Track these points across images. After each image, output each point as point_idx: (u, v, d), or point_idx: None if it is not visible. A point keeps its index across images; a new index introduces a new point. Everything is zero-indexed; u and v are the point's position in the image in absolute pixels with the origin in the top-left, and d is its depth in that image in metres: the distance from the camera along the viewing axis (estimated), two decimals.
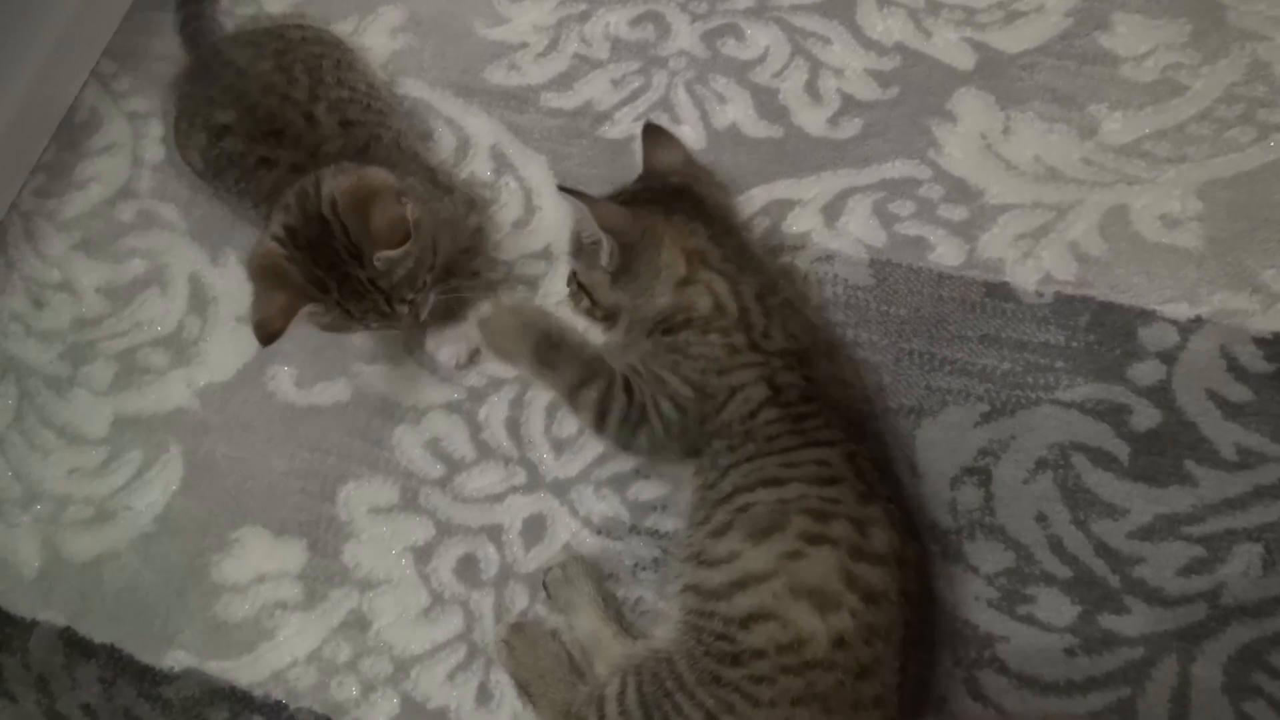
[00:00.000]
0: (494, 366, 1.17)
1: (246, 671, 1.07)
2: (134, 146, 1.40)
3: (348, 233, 0.99)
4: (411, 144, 1.23)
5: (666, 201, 1.01)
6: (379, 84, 1.29)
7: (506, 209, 1.27)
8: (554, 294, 1.20)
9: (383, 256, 0.98)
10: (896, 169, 1.22)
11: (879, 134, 1.24)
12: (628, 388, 0.96)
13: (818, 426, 0.91)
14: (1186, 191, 1.15)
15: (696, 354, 0.94)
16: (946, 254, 1.16)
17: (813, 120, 1.27)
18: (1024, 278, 1.13)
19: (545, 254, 1.23)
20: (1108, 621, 0.97)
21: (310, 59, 1.21)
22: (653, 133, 1.10)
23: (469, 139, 1.32)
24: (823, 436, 0.91)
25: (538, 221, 1.26)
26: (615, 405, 0.96)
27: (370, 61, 1.37)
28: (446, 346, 1.16)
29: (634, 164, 1.26)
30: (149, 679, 1.08)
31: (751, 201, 1.22)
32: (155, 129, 1.40)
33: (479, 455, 1.14)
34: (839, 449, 0.90)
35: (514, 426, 1.14)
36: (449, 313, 1.16)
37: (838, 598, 0.82)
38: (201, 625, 1.09)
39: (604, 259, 0.97)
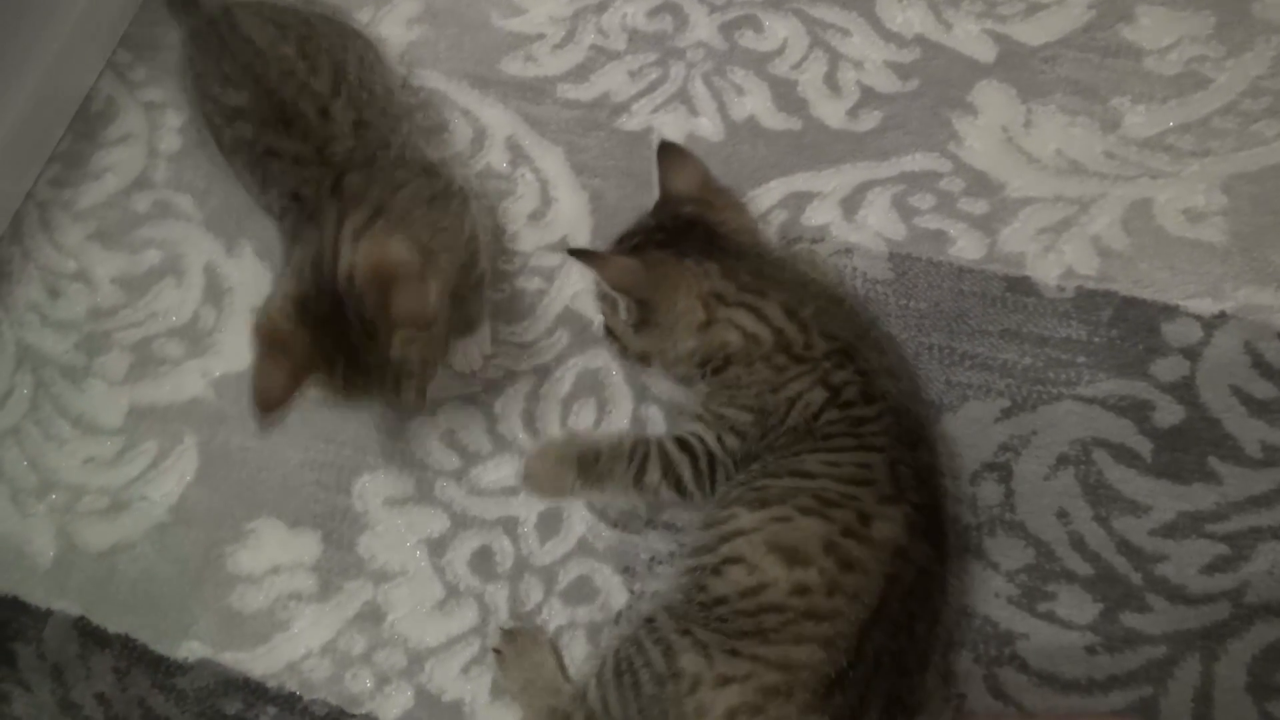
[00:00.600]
0: (509, 358, 1.17)
1: (261, 663, 1.06)
2: (150, 137, 1.40)
3: (363, 309, 0.91)
4: (416, 148, 1.17)
5: (678, 241, 0.99)
6: (396, 87, 1.26)
7: (523, 200, 1.26)
8: (569, 287, 1.20)
9: (401, 340, 0.92)
10: (916, 162, 1.21)
11: (899, 126, 1.23)
12: (682, 445, 0.97)
13: (875, 432, 0.91)
14: (1211, 185, 1.13)
15: (748, 383, 0.95)
16: (967, 248, 1.15)
17: (832, 112, 1.26)
18: (1045, 272, 1.12)
19: (561, 245, 1.23)
20: (1129, 619, 0.96)
21: (336, 50, 1.16)
22: (668, 153, 1.06)
23: (485, 130, 1.32)
24: (876, 443, 0.90)
25: (554, 213, 1.25)
26: (684, 470, 0.96)
27: (391, 60, 1.34)
28: (459, 354, 1.15)
29: (651, 156, 1.25)
30: (163, 669, 1.07)
31: (770, 194, 1.21)
32: (171, 119, 1.39)
33: (495, 448, 1.13)
34: (885, 455, 0.89)
35: (530, 419, 1.14)
36: (466, 326, 1.13)
37: (810, 558, 0.83)
38: (216, 616, 1.09)
39: (623, 314, 0.97)
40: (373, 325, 0.92)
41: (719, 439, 0.95)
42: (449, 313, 1.01)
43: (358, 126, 1.09)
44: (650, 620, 0.88)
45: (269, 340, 0.92)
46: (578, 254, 0.97)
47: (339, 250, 0.94)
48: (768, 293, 0.97)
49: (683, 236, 0.99)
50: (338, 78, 1.12)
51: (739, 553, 0.86)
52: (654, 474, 0.97)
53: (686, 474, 0.96)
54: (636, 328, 0.98)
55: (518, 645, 1.01)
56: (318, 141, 1.07)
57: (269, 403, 0.91)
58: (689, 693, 0.81)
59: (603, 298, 1.01)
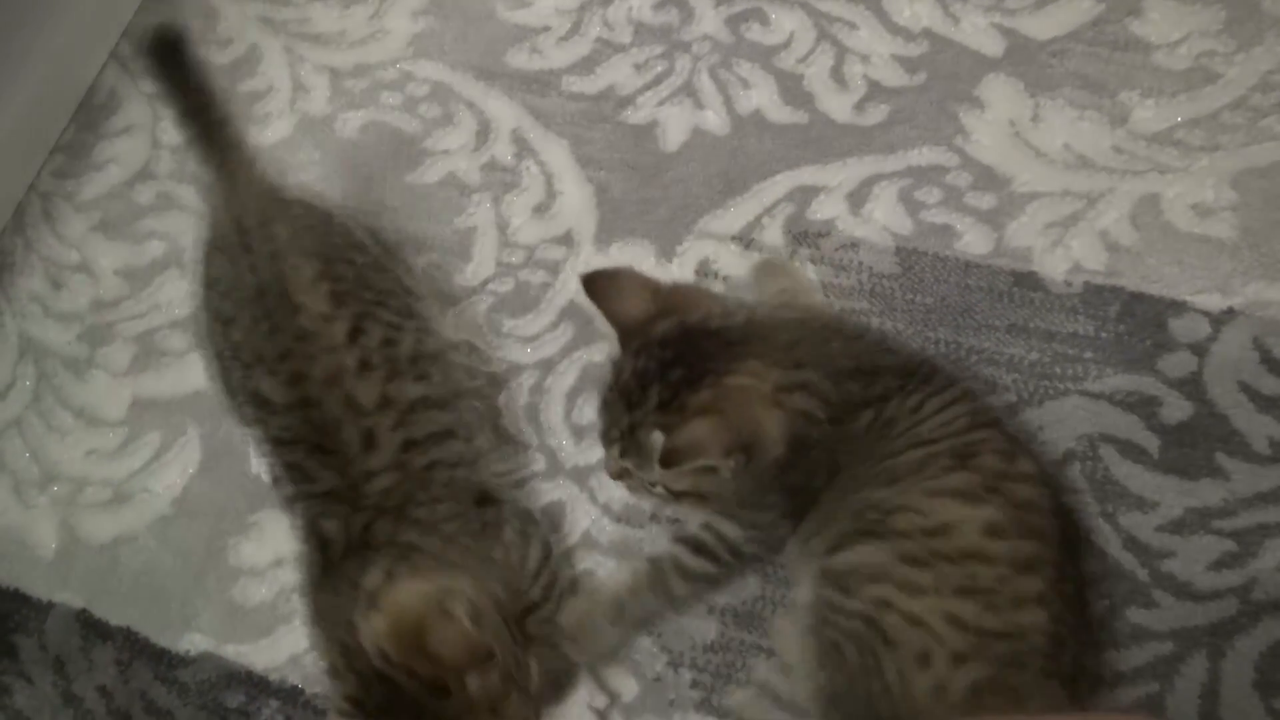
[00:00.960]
0: (512, 351, 1.16)
1: (263, 655, 1.06)
2: (153, 128, 1.39)
3: (418, 676, 0.80)
4: (472, 459, 0.99)
5: (695, 363, 0.85)
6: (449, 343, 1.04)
7: (528, 193, 1.26)
8: (573, 281, 1.19)
9: (475, 681, 0.80)
10: (923, 156, 1.20)
11: (906, 120, 1.22)
12: (697, 548, 0.95)
13: (948, 386, 0.90)
14: (1220, 181, 1.13)
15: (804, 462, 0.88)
16: (974, 242, 1.14)
17: (838, 106, 1.25)
18: (1053, 267, 1.12)
19: (566, 239, 1.22)
20: (1136, 616, 0.96)
21: (385, 306, 0.96)
22: (598, 282, 0.91)
23: (490, 123, 1.31)
24: (960, 394, 0.89)
25: (559, 206, 1.24)
26: (707, 568, 0.94)
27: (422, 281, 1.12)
28: None
29: (657, 149, 1.26)
30: (165, 662, 1.07)
31: (775, 187, 1.21)
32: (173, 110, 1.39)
33: (498, 441, 1.12)
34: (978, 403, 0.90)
35: (533, 413, 1.13)
36: (558, 675, 0.99)
37: (982, 497, 0.80)
38: (219, 608, 1.09)
39: (726, 472, 0.84)
40: (438, 684, 0.80)
41: (746, 526, 0.93)
42: (508, 607, 0.88)
43: (407, 450, 0.91)
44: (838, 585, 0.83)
45: None
46: (666, 463, 0.82)
47: (358, 633, 0.82)
48: (804, 362, 0.88)
49: (693, 355, 0.85)
50: (390, 370, 0.92)
51: (897, 505, 0.81)
52: (680, 587, 0.94)
53: (710, 569, 0.94)
54: (741, 475, 0.85)
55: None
56: (354, 479, 0.90)
57: None
58: (918, 667, 0.77)
59: (682, 478, 0.87)
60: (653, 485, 0.89)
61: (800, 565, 0.92)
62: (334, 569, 0.89)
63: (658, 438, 0.83)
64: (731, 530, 0.94)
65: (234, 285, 0.96)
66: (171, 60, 1.10)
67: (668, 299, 0.90)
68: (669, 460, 0.81)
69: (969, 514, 0.80)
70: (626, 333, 0.89)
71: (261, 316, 0.92)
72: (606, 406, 0.89)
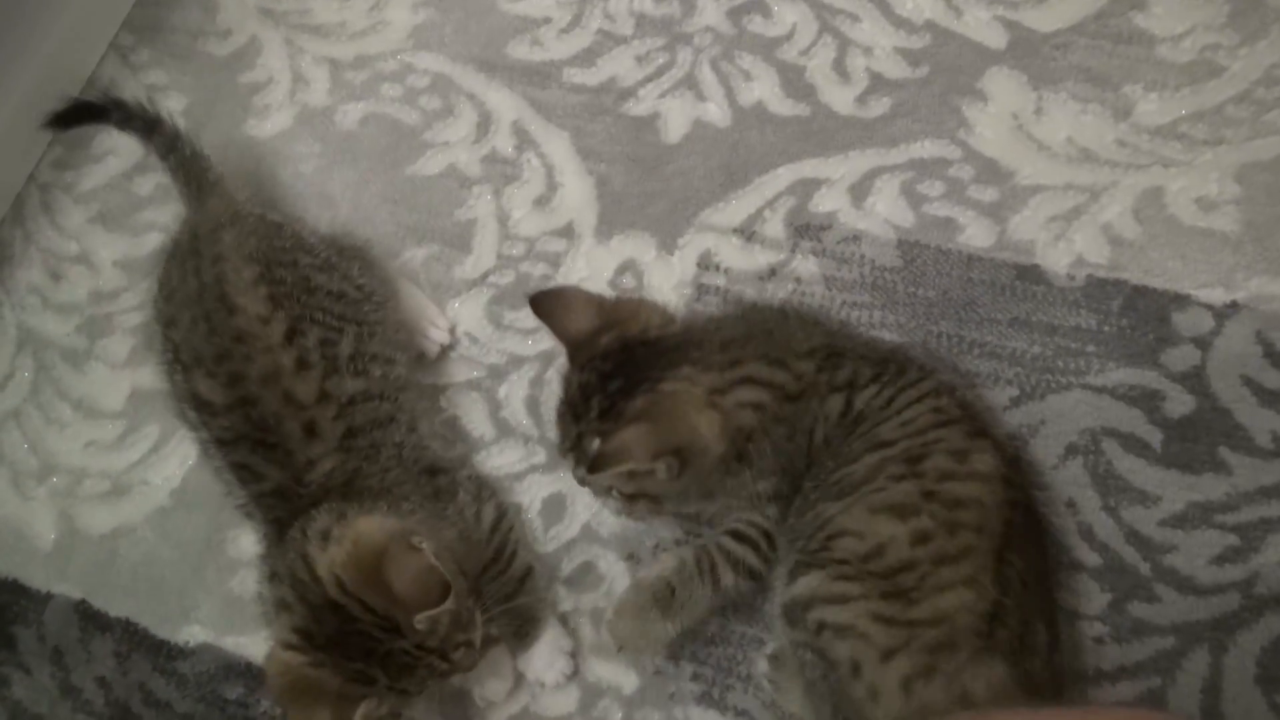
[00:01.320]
0: (513, 343, 1.16)
1: (263, 648, 1.04)
2: None
3: (372, 609, 0.80)
4: (419, 443, 1.00)
5: (634, 373, 0.89)
6: (395, 339, 1.05)
7: (528, 186, 1.25)
8: (575, 273, 1.19)
9: (425, 618, 0.80)
10: (926, 149, 1.20)
11: (908, 113, 1.22)
12: (739, 537, 0.95)
13: (920, 380, 0.93)
14: (1224, 174, 1.12)
15: (767, 450, 0.91)
16: (976, 235, 1.14)
17: (840, 99, 1.25)
18: (1055, 260, 1.11)
19: (567, 231, 1.22)
20: (1138, 610, 0.96)
21: (325, 310, 0.97)
22: (545, 301, 0.96)
23: (491, 115, 1.31)
24: (931, 388, 0.92)
25: (560, 199, 1.24)
26: (750, 559, 0.93)
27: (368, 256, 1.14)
28: (545, 670, 1.00)
29: (658, 141, 1.25)
30: (164, 653, 1.07)
31: (777, 180, 1.20)
32: (174, 102, 1.38)
33: (498, 434, 1.12)
34: (949, 398, 0.91)
35: (534, 405, 1.13)
36: (522, 628, 0.99)
37: (917, 508, 0.83)
38: (218, 600, 1.09)
39: (662, 474, 0.88)
40: (388, 618, 0.80)
41: (765, 514, 0.94)
42: (465, 564, 0.89)
43: (348, 438, 0.93)
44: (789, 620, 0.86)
45: (293, 691, 0.82)
46: (593, 469, 0.87)
47: (312, 563, 0.83)
48: (741, 359, 0.92)
49: (630, 365, 0.90)
50: (329, 367, 0.94)
51: (841, 528, 0.84)
52: (727, 576, 0.94)
53: (754, 561, 0.94)
54: (680, 476, 0.89)
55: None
56: (297, 469, 0.91)
57: None
58: (852, 678, 0.80)
59: (628, 482, 0.91)
60: (608, 490, 0.93)
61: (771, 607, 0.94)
62: (281, 539, 0.90)
63: (596, 445, 0.87)
64: (761, 519, 0.94)
65: (177, 288, 0.98)
66: (122, 118, 1.17)
67: (611, 312, 0.94)
68: (595, 466, 0.86)
69: (899, 530, 0.82)
70: (574, 348, 0.93)
71: (201, 318, 0.94)
72: (559, 419, 0.94)
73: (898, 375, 0.93)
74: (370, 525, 0.83)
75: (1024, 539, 0.85)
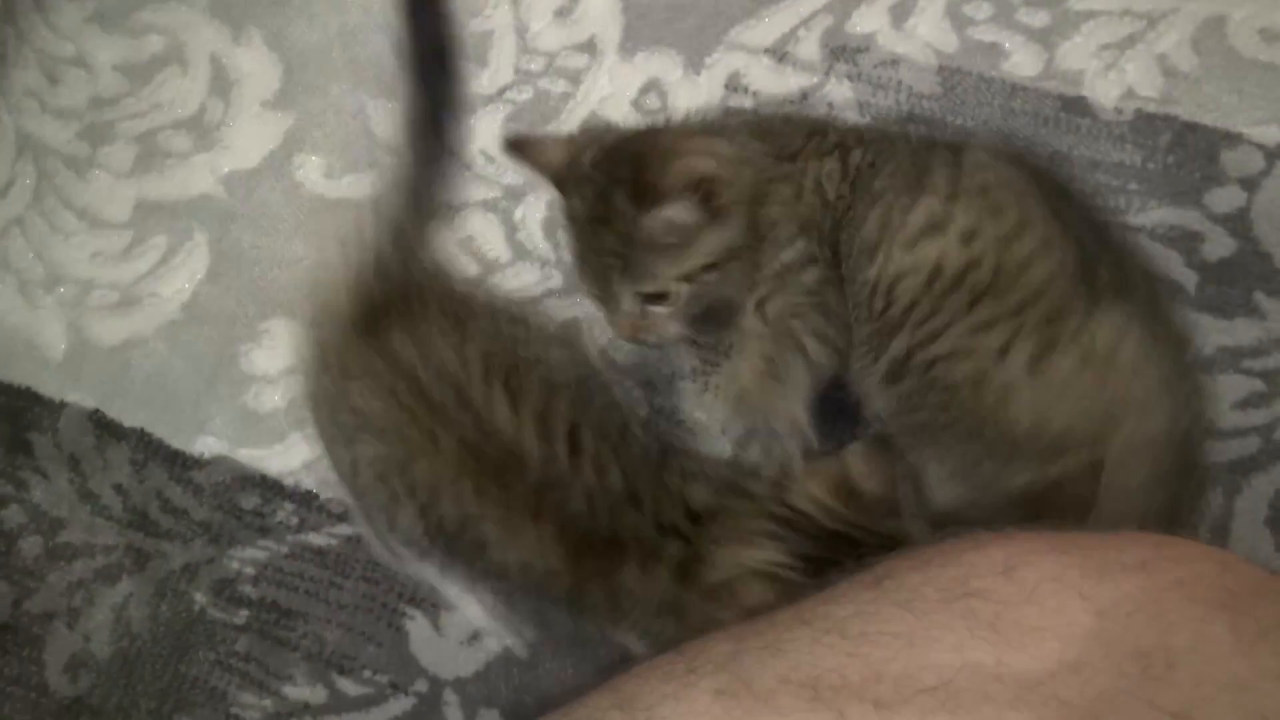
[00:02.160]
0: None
1: (277, 460, 1.06)
2: None
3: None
4: None
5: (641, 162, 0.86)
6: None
7: None
8: (596, 90, 1.14)
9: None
10: None
11: None
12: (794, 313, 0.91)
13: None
14: None
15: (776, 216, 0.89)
16: (1022, 63, 1.08)
17: None
18: (1104, 92, 1.05)
19: (589, 46, 1.15)
20: None
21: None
22: (518, 145, 0.96)
23: None
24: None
25: (582, 11, 1.17)
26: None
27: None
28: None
29: None
30: (180, 463, 1.07)
31: None
32: None
33: (514, 256, 1.09)
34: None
35: (551, 228, 1.10)
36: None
37: (946, 215, 0.82)
38: (232, 413, 1.08)
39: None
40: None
41: (803, 281, 0.90)
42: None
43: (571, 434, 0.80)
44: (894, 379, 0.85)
45: None
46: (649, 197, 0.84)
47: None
48: (725, 132, 0.91)
49: (629, 157, 0.87)
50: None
51: (891, 277, 0.83)
52: (812, 345, 0.90)
53: (832, 331, 0.89)
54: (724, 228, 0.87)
55: None
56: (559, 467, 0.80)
57: None
58: (976, 391, 0.79)
59: (683, 258, 0.87)
60: (660, 297, 0.89)
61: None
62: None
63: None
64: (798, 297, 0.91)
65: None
66: None
67: (582, 136, 0.94)
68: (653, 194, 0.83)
69: (943, 242, 0.81)
70: (560, 178, 0.91)
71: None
72: (580, 261, 0.92)
73: (880, 138, 0.91)
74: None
75: (1063, 195, 0.85)
